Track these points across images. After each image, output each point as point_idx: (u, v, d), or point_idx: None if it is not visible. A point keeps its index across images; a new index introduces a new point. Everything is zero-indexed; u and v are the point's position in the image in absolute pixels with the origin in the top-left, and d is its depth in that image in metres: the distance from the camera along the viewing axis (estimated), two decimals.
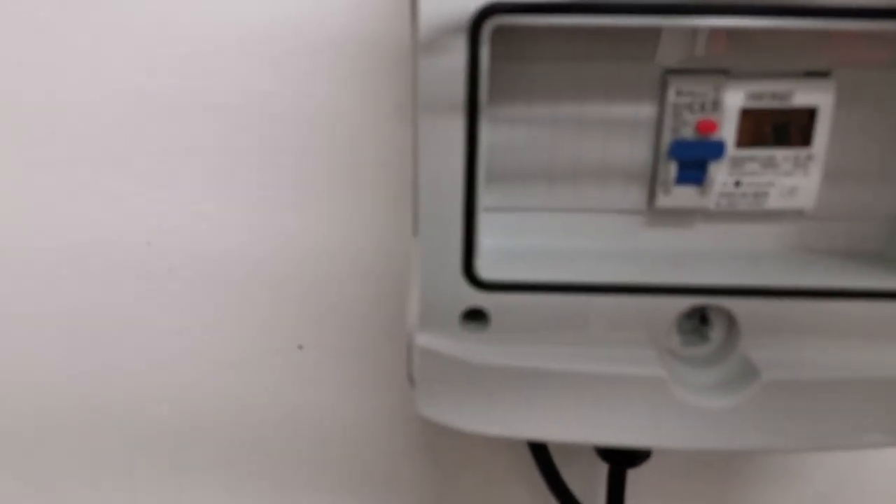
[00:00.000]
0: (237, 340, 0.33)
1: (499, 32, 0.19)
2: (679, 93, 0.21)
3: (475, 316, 0.22)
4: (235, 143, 0.30)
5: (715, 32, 0.20)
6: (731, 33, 0.20)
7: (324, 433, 0.35)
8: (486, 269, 0.21)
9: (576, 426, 0.22)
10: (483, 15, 0.18)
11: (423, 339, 0.22)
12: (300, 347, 0.33)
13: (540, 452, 0.33)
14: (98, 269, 0.32)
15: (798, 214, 0.23)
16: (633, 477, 0.34)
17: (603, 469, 0.31)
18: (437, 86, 0.19)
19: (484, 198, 0.21)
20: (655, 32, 0.20)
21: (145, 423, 0.35)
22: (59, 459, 0.36)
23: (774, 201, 0.22)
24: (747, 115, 0.21)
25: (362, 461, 0.35)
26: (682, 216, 0.23)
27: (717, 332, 0.22)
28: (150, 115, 0.30)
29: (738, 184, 0.22)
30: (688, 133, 0.21)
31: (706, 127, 0.21)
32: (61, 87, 0.29)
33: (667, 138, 0.21)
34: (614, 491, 0.32)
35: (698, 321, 0.23)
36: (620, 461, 0.31)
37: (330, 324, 0.33)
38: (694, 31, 0.20)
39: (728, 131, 0.21)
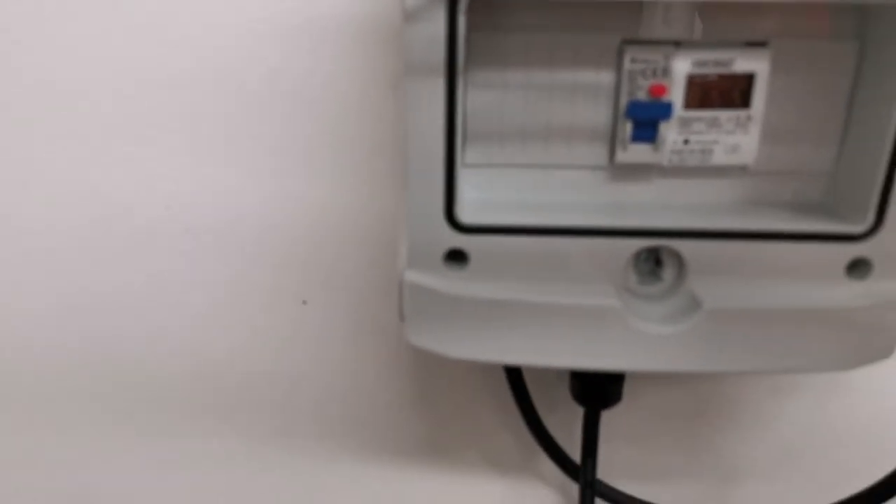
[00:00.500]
0: (247, 296, 0.36)
1: (475, 4, 0.22)
2: (633, 60, 0.24)
3: (456, 256, 0.25)
4: (247, 116, 0.33)
5: (669, 5, 0.23)
6: (679, 8, 0.24)
7: (325, 381, 0.38)
8: (466, 214, 0.24)
9: (545, 352, 0.25)
10: None
11: (412, 276, 0.25)
12: (304, 303, 0.37)
13: (524, 400, 0.37)
14: (121, 231, 0.35)
15: (741, 170, 0.26)
16: (607, 422, 0.37)
17: (580, 416, 0.35)
18: (420, 52, 0.22)
19: (464, 155, 0.24)
20: (616, 6, 0.24)
21: (160, 375, 0.38)
22: (81, 413, 0.39)
23: (719, 158, 0.25)
24: (693, 81, 0.24)
25: (360, 407, 0.38)
26: (638, 171, 0.26)
27: (668, 272, 0.25)
28: (169, 89, 0.33)
29: (686, 142, 0.25)
30: (641, 96, 0.24)
31: (657, 90, 0.24)
32: (89, 61, 0.33)
33: (623, 101, 0.24)
34: (589, 432, 0.35)
35: (654, 264, 0.26)
36: (594, 403, 0.34)
37: (332, 281, 0.36)
38: (650, 6, 0.23)
39: (676, 95, 0.24)
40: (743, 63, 0.24)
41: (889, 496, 0.31)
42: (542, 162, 0.26)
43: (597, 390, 0.33)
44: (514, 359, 0.25)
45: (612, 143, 0.25)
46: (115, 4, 0.32)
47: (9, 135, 0.34)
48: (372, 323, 0.37)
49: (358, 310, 0.36)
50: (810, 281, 0.24)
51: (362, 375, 0.38)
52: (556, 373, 0.37)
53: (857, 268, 0.24)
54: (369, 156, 0.34)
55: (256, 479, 0.40)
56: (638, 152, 0.25)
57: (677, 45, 0.24)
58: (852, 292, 0.24)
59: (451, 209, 0.24)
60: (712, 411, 0.38)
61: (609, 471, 0.39)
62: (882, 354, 0.25)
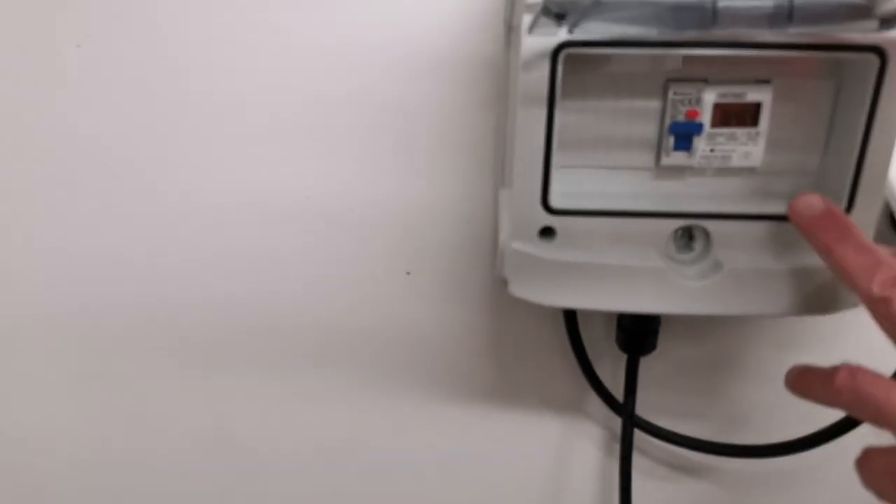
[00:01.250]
0: (362, 267, 0.46)
1: (568, 58, 0.32)
2: (675, 93, 0.34)
3: (547, 232, 0.35)
4: (371, 126, 0.43)
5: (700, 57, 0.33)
6: (710, 57, 0.33)
7: (421, 338, 0.48)
8: (555, 201, 0.34)
9: (609, 299, 0.35)
10: (559, 48, 0.31)
11: (516, 245, 0.35)
12: (408, 273, 0.47)
13: (579, 349, 0.46)
14: (272, 214, 0.45)
15: (751, 170, 0.35)
16: (643, 372, 0.47)
17: (622, 364, 0.44)
18: (529, 89, 0.32)
19: (555, 158, 0.34)
20: (662, 58, 0.34)
21: (290, 329, 0.48)
22: (220, 358, 0.50)
23: (736, 161, 0.35)
24: (717, 107, 0.34)
25: (448, 359, 0.48)
26: (677, 171, 0.36)
27: (698, 244, 0.35)
28: (310, 106, 0.43)
29: (712, 150, 0.35)
30: (680, 118, 0.34)
31: (692, 114, 0.34)
32: (249, 83, 0.43)
33: (667, 121, 0.34)
34: (630, 375, 0.45)
35: (688, 238, 0.36)
36: (635, 351, 0.44)
37: (431, 255, 0.46)
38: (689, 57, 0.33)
39: (706, 117, 0.34)
40: (753, 95, 0.34)
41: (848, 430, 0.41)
42: (608, 164, 0.36)
43: (637, 340, 0.43)
44: (586, 304, 0.35)
45: (659, 151, 0.35)
46: (271, 36, 0.42)
47: (187, 138, 0.44)
48: (460, 291, 0.47)
49: (450, 280, 0.46)
50: (802, 249, 0.34)
51: (449, 333, 0.48)
52: (603, 328, 0.47)
53: None
54: (463, 158, 0.43)
55: (360, 417, 0.51)
56: (677, 158, 0.35)
57: (706, 82, 0.34)
58: None
59: (546, 198, 0.34)
60: (726, 364, 0.48)
61: (645, 410, 0.49)
62: (853, 302, 0.35)
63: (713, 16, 0.27)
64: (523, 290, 0.35)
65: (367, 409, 0.50)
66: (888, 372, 0.40)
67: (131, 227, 0.46)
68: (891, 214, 0.37)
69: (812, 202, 0.32)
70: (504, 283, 0.37)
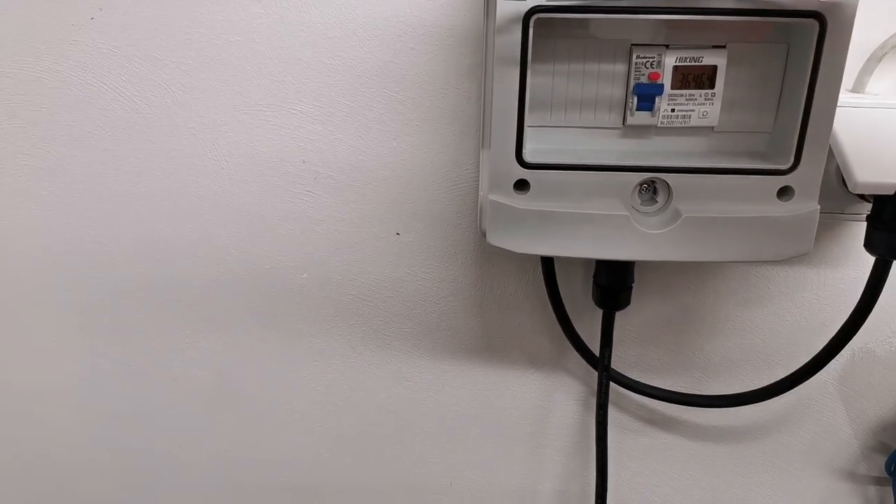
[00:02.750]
0: (355, 227, 0.49)
1: (538, 22, 0.35)
2: (638, 57, 0.37)
3: (521, 185, 0.38)
4: (364, 94, 0.46)
5: (661, 22, 0.36)
6: (670, 22, 0.37)
7: (411, 295, 0.51)
8: (529, 157, 0.37)
9: (580, 246, 0.38)
10: (530, 13, 0.34)
11: (493, 197, 0.38)
12: (397, 234, 0.50)
13: (558, 305, 0.50)
14: (273, 176, 0.48)
15: (710, 129, 0.39)
16: (619, 327, 0.50)
17: (599, 320, 0.48)
18: (503, 52, 0.35)
19: (527, 118, 0.37)
20: (628, 23, 0.37)
21: (289, 285, 0.51)
22: (230, 317, 0.53)
23: (694, 121, 0.38)
24: (677, 70, 0.37)
25: (436, 314, 0.52)
26: (641, 129, 0.39)
27: (660, 196, 0.38)
28: (307, 76, 0.46)
29: (673, 110, 0.38)
30: (643, 80, 0.37)
31: (654, 76, 0.37)
32: (239, 54, 0.46)
33: (632, 83, 0.37)
34: (606, 328, 0.48)
35: (651, 191, 0.39)
36: (610, 306, 0.47)
37: (419, 216, 0.49)
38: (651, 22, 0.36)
39: (666, 79, 0.37)
40: (709, 59, 0.37)
41: (813, 373, 0.44)
42: (577, 124, 0.39)
43: (612, 296, 0.46)
44: (558, 252, 0.38)
45: (624, 111, 0.38)
46: (269, 10, 0.45)
47: (190, 104, 0.47)
48: (447, 250, 0.50)
49: (437, 240, 0.49)
50: (754, 201, 0.37)
51: (436, 291, 0.51)
52: (581, 286, 0.50)
53: (784, 192, 0.37)
54: (448, 124, 0.47)
55: (350, 371, 0.54)
56: (641, 117, 0.38)
57: (667, 47, 0.37)
58: (781, 209, 0.37)
59: (520, 153, 0.37)
60: (697, 320, 0.51)
61: (621, 364, 0.52)
62: (802, 250, 0.38)
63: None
64: (500, 239, 0.39)
65: (360, 364, 0.53)
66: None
67: (136, 186, 0.49)
68: (840, 172, 0.40)
69: None
70: (483, 234, 0.41)
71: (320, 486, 0.58)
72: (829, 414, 0.53)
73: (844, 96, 0.40)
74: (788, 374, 0.46)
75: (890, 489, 0.55)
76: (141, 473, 0.59)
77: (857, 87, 0.44)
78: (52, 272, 0.52)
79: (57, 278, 0.52)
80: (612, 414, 0.54)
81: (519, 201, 0.38)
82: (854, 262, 0.48)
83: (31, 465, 0.60)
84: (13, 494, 0.61)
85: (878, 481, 0.55)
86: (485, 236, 0.40)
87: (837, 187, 0.42)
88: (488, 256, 0.50)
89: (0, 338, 0.55)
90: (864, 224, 0.40)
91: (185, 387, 0.55)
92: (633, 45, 0.37)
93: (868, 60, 0.43)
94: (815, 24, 0.34)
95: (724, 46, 0.37)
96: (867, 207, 0.41)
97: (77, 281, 0.52)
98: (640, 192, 0.39)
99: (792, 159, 0.37)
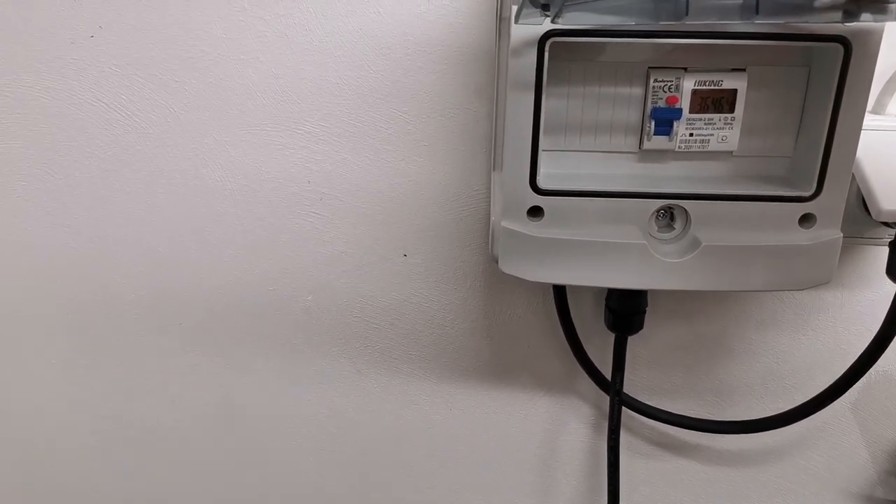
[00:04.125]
0: (361, 249, 0.48)
1: (553, 45, 0.34)
2: (656, 80, 0.36)
3: (535, 212, 0.37)
4: (373, 114, 0.45)
5: (678, 46, 0.35)
6: (688, 46, 0.35)
7: (418, 317, 0.50)
8: (543, 182, 0.36)
9: (594, 275, 0.37)
10: (545, 37, 0.33)
11: (506, 224, 0.37)
12: (405, 256, 0.49)
13: (569, 329, 0.48)
14: (277, 196, 0.47)
15: (728, 154, 0.37)
16: (630, 350, 0.49)
17: (611, 344, 0.46)
18: (518, 75, 0.34)
19: (542, 142, 0.36)
20: (645, 46, 0.36)
21: (294, 307, 0.50)
22: (233, 336, 0.52)
23: (713, 145, 0.37)
24: (696, 94, 0.36)
25: (444, 337, 0.51)
26: (658, 154, 0.38)
27: (678, 223, 0.37)
28: (314, 96, 0.45)
29: (691, 135, 0.37)
30: (661, 104, 0.36)
31: (672, 100, 0.36)
32: (263, 76, 0.45)
33: (649, 107, 0.36)
34: (618, 353, 0.47)
35: (669, 217, 0.38)
36: (622, 330, 0.46)
37: (426, 238, 0.48)
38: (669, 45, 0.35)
39: (685, 103, 0.36)
40: (729, 82, 0.36)
41: (830, 401, 0.43)
42: (592, 148, 0.38)
43: (624, 320, 0.45)
44: (572, 280, 0.37)
45: (641, 136, 0.37)
46: (278, 29, 0.44)
47: (196, 125, 0.46)
48: (455, 272, 0.49)
49: (445, 262, 0.48)
50: (775, 228, 0.36)
51: (444, 313, 0.50)
52: (592, 309, 0.49)
53: (806, 219, 0.36)
54: (458, 144, 0.45)
55: (358, 394, 0.53)
56: (658, 142, 0.37)
57: (685, 70, 0.36)
58: (803, 236, 0.36)
59: (534, 179, 0.36)
60: (711, 343, 0.50)
61: (633, 388, 0.51)
62: (824, 279, 0.37)
63: (686, 7, 0.29)
64: (513, 267, 0.38)
65: (366, 386, 0.52)
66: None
67: (137, 206, 0.48)
68: (861, 195, 0.39)
69: None
70: (495, 261, 0.39)
71: (327, 499, 0.57)
72: (845, 438, 0.52)
73: (866, 119, 0.39)
74: (805, 400, 0.45)
75: None
76: (143, 496, 0.58)
77: (877, 109, 0.43)
78: (53, 293, 0.51)
79: (58, 299, 0.51)
80: (624, 438, 0.53)
81: (532, 228, 0.37)
82: (873, 285, 0.47)
83: (33, 486, 0.58)
84: None
85: (881, 503, 0.54)
86: (497, 262, 0.39)
87: (857, 211, 0.41)
88: (497, 278, 0.49)
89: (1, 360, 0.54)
90: (883, 248, 0.39)
91: (188, 409, 0.54)
92: (650, 67, 0.36)
93: (888, 82, 0.42)
94: (840, 49, 0.33)
95: (744, 69, 0.36)
96: (888, 232, 0.40)
97: (78, 302, 0.51)
98: (657, 218, 0.37)
99: (815, 186, 0.36)
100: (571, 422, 0.53)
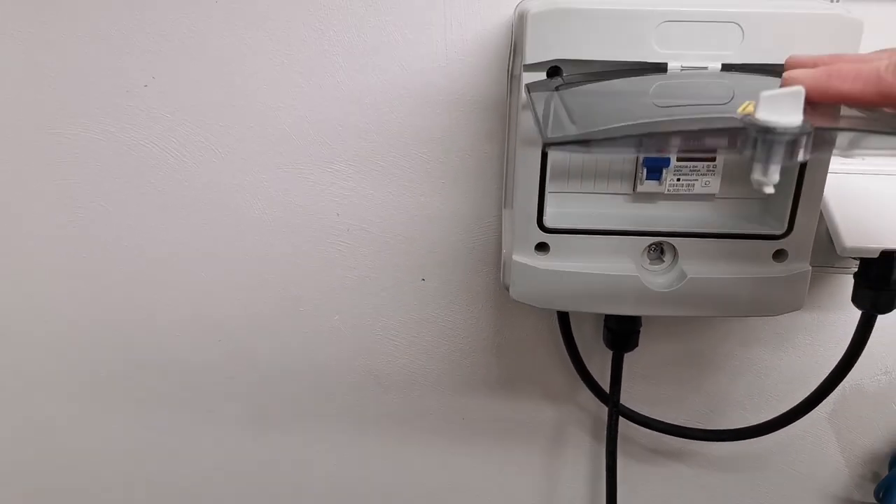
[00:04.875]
0: (384, 274, 0.54)
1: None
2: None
3: (542, 247, 0.42)
4: (395, 155, 0.50)
5: None
6: None
7: (434, 336, 0.55)
8: (548, 221, 0.41)
9: (593, 302, 0.42)
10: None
11: (516, 258, 0.42)
12: (423, 280, 0.54)
13: (571, 347, 0.54)
14: (308, 228, 0.52)
15: (711, 196, 0.43)
16: (627, 366, 0.54)
17: (608, 360, 0.52)
18: (528, 128, 0.39)
19: (548, 186, 0.41)
20: None
21: (322, 326, 0.55)
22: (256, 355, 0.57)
23: (698, 189, 0.42)
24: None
25: (458, 353, 0.56)
26: (650, 196, 0.43)
27: (667, 257, 0.43)
28: (344, 137, 0.50)
29: (678, 180, 0.42)
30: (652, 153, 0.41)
31: (661, 150, 0.41)
32: (281, 119, 0.50)
33: (641, 157, 0.42)
34: (615, 368, 0.52)
35: (659, 252, 0.43)
36: (619, 348, 0.51)
37: (442, 265, 0.53)
38: None
39: (672, 154, 0.41)
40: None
41: (808, 410, 0.48)
42: (593, 191, 0.43)
43: (621, 339, 0.50)
44: (575, 307, 0.42)
45: (635, 180, 0.42)
46: (315, 83, 0.49)
47: (243, 163, 0.51)
48: (468, 296, 0.54)
49: (459, 286, 0.54)
50: (751, 262, 0.41)
51: (458, 333, 0.55)
52: (592, 329, 0.54)
53: (779, 255, 0.42)
54: (472, 181, 0.51)
55: (376, 406, 0.58)
56: (650, 186, 0.42)
57: None
58: (776, 269, 0.42)
59: (541, 218, 0.41)
60: (699, 359, 0.55)
61: (629, 399, 0.56)
62: (796, 306, 0.42)
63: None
64: (522, 295, 0.43)
65: (385, 398, 0.57)
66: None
67: (183, 238, 0.53)
68: (827, 232, 0.44)
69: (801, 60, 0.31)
70: (506, 289, 0.45)
71: (350, 497, 0.62)
72: (824, 446, 0.57)
73: (833, 162, 0.44)
74: (786, 410, 0.50)
75: None
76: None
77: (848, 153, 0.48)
78: (99, 324, 0.56)
79: (108, 331, 0.56)
80: (622, 446, 0.58)
81: (540, 262, 0.42)
82: (845, 307, 0.52)
83: None
84: None
85: None
86: (507, 290, 0.44)
87: (828, 244, 0.46)
88: (506, 301, 0.54)
89: (21, 407, 0.59)
90: (852, 278, 0.44)
91: (221, 418, 0.59)
92: None
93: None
94: None
95: None
96: (855, 263, 0.45)
97: (128, 327, 0.56)
98: (648, 253, 0.43)
99: (786, 225, 0.41)
100: (573, 430, 0.58)
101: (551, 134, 0.30)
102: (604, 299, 0.42)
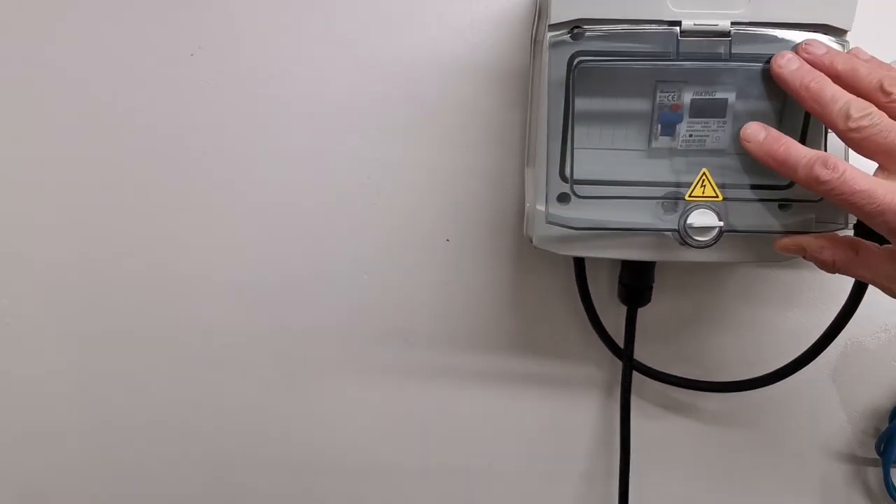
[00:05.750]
0: (411, 234, 0.57)
1: (580, 64, 0.43)
2: (662, 92, 0.45)
3: (563, 197, 0.45)
4: (424, 122, 0.54)
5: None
6: (688, 67, 0.44)
7: (458, 293, 0.59)
8: (570, 173, 0.45)
9: (610, 249, 0.45)
10: (574, 56, 0.42)
11: (539, 207, 0.45)
12: (447, 241, 0.57)
13: (588, 303, 0.57)
14: (340, 190, 0.56)
15: (721, 151, 0.46)
16: (640, 325, 0.57)
17: (622, 316, 0.55)
18: (554, 90, 0.43)
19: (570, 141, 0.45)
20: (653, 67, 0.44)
21: (352, 285, 0.59)
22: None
23: (709, 144, 0.45)
24: (695, 102, 0.45)
25: (481, 311, 0.59)
26: (664, 151, 0.46)
27: (679, 207, 0.46)
28: (376, 105, 0.54)
29: (690, 135, 0.45)
30: (666, 110, 0.45)
31: (675, 108, 0.45)
32: (316, 89, 0.54)
33: (657, 113, 0.45)
34: (629, 323, 0.55)
35: (672, 202, 0.46)
36: (633, 303, 0.54)
37: (466, 226, 0.56)
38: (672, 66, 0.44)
39: (686, 110, 0.45)
40: (721, 93, 0.44)
41: (808, 362, 0.51)
42: (612, 146, 0.46)
43: (635, 294, 0.54)
44: (593, 253, 0.46)
45: (650, 136, 0.46)
46: (351, 53, 0.53)
47: (285, 131, 0.55)
48: (490, 256, 0.57)
49: (482, 246, 0.57)
50: (761, 211, 0.45)
51: (481, 291, 0.58)
52: (607, 287, 0.57)
53: (784, 205, 0.45)
54: (496, 146, 0.54)
55: (403, 363, 0.61)
56: (664, 141, 0.45)
57: (685, 83, 0.45)
58: (782, 218, 0.45)
59: (564, 171, 0.45)
60: (708, 316, 0.58)
61: (642, 354, 0.59)
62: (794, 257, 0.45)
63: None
64: (545, 243, 0.46)
65: (411, 354, 0.61)
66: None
67: (231, 199, 0.57)
68: None
69: (789, 58, 0.40)
70: (529, 240, 0.48)
71: (372, 465, 0.65)
72: (826, 401, 0.60)
73: None
74: (787, 362, 0.53)
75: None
76: (205, 448, 0.66)
77: None
78: (136, 281, 0.60)
79: (146, 283, 0.60)
80: (634, 402, 0.61)
81: (562, 211, 0.45)
82: None
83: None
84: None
85: (872, 462, 0.62)
86: (531, 241, 0.48)
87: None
88: (527, 260, 0.57)
89: (56, 360, 0.62)
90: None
91: (253, 374, 0.62)
92: (657, 81, 0.45)
93: None
94: None
95: (733, 84, 0.45)
96: (854, 218, 0.49)
97: (166, 288, 0.60)
98: (663, 203, 0.46)
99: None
100: (588, 385, 0.61)
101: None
102: (620, 247, 0.46)
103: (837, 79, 0.37)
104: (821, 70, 0.38)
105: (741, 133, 0.40)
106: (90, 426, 0.66)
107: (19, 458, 0.67)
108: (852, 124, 0.35)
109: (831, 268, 0.40)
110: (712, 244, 0.42)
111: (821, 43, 0.39)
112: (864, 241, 0.39)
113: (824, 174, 0.35)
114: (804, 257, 0.41)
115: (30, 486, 0.67)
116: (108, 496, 0.67)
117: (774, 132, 0.39)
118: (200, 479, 0.66)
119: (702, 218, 0.43)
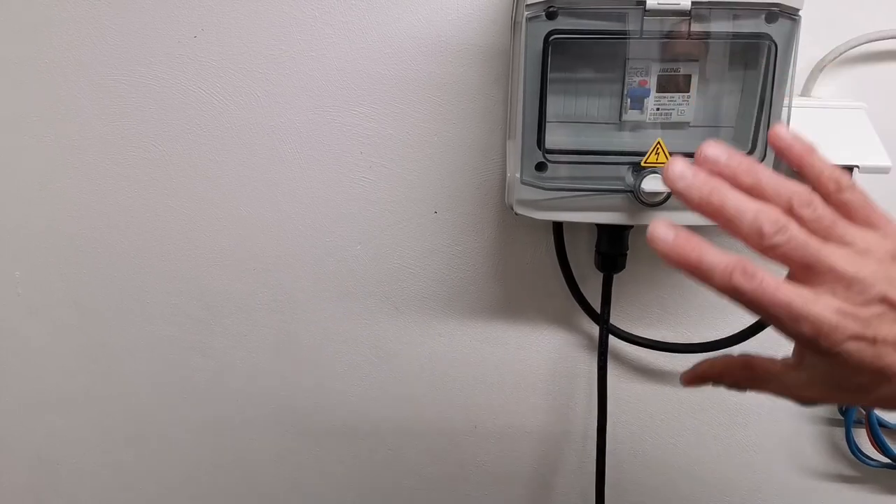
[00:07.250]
0: (401, 206, 0.60)
1: (555, 42, 0.46)
2: (631, 67, 0.48)
3: (541, 166, 0.49)
4: (412, 99, 0.57)
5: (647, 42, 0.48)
6: (655, 43, 0.48)
7: (445, 263, 0.62)
8: (547, 144, 0.48)
9: (585, 213, 0.49)
10: (549, 34, 0.46)
11: (518, 175, 0.49)
12: (435, 212, 0.61)
13: (567, 271, 0.61)
14: (334, 164, 0.59)
15: (686, 124, 0.50)
16: (616, 289, 0.61)
17: (600, 283, 0.59)
18: (531, 65, 0.46)
19: (547, 114, 0.48)
20: (623, 43, 0.48)
21: (345, 255, 0.62)
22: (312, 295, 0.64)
23: (675, 117, 0.49)
24: (661, 77, 0.48)
25: (466, 280, 0.63)
26: (633, 124, 0.50)
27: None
28: (367, 83, 0.57)
29: (658, 109, 0.49)
30: (635, 85, 0.48)
31: (643, 83, 0.48)
32: (315, 66, 0.57)
33: (626, 88, 0.49)
34: (606, 288, 0.59)
35: (640, 171, 0.50)
36: (609, 269, 0.58)
37: (453, 198, 0.60)
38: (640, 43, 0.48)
39: (652, 85, 0.48)
40: (685, 69, 0.48)
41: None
42: (584, 119, 0.50)
43: (610, 260, 0.57)
44: (572, 218, 0.50)
45: (620, 109, 0.50)
46: (343, 35, 0.56)
47: (279, 107, 0.58)
48: (476, 226, 0.61)
49: (468, 218, 0.61)
50: None
51: (467, 260, 0.62)
52: (586, 255, 0.61)
53: None
54: (479, 122, 0.58)
55: (394, 329, 0.65)
56: (633, 115, 0.49)
57: (651, 59, 0.48)
58: None
59: (541, 141, 0.48)
60: (680, 281, 0.62)
61: (618, 319, 0.63)
62: None
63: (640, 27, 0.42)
64: (525, 209, 0.50)
65: (401, 321, 0.64)
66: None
67: (224, 172, 0.60)
68: None
69: (680, 171, 0.33)
70: (510, 208, 0.52)
71: (363, 426, 0.69)
72: None
73: (796, 100, 0.51)
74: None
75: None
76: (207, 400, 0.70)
77: (805, 92, 0.55)
78: (146, 252, 0.63)
79: (153, 254, 0.63)
80: (612, 366, 0.65)
81: (540, 180, 0.49)
82: None
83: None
84: None
85: (838, 423, 0.66)
86: (512, 209, 0.51)
87: (790, 171, 0.53)
88: (509, 231, 0.61)
89: (73, 333, 0.66)
90: None
91: (254, 341, 0.66)
92: (626, 58, 0.48)
93: (812, 71, 0.54)
94: (767, 45, 0.45)
95: (696, 60, 0.48)
96: None
97: (172, 259, 0.63)
98: (632, 171, 0.50)
99: (749, 146, 0.48)
100: (568, 349, 0.65)
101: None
102: (593, 211, 0.49)
103: (740, 188, 0.33)
104: (722, 178, 0.33)
105: (648, 233, 0.32)
106: (103, 394, 0.69)
107: (34, 426, 0.70)
108: (766, 242, 0.32)
109: (740, 389, 0.37)
110: (662, 202, 0.47)
111: (718, 147, 0.34)
112: (755, 358, 0.36)
113: (743, 283, 0.31)
114: (713, 386, 0.38)
115: (46, 454, 0.71)
116: (114, 463, 0.71)
117: (684, 232, 0.32)
118: (210, 441, 0.70)
119: (653, 182, 0.46)
